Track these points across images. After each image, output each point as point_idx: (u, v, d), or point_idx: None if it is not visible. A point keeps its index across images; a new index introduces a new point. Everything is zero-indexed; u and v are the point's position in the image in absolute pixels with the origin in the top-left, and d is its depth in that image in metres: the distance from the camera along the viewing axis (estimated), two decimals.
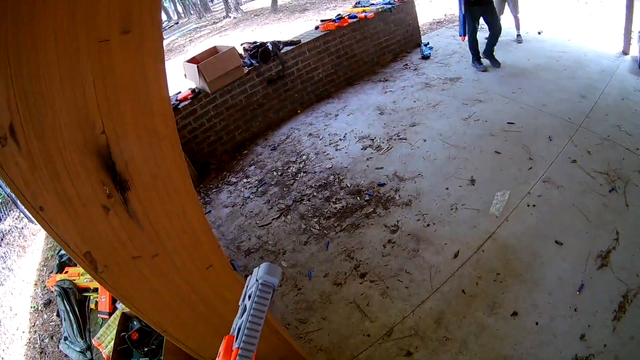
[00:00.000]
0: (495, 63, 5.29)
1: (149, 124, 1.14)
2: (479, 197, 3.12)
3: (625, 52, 5.04)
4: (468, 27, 5.17)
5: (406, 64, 5.95)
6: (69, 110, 1.02)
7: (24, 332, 4.10)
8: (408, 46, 6.41)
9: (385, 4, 6.16)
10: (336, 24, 5.48)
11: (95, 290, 2.53)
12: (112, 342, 1.96)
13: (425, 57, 6.00)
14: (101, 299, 2.36)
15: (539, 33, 6.51)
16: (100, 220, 1.10)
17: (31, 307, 4.38)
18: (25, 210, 5.72)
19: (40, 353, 3.61)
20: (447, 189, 3.27)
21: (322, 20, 5.79)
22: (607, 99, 3.89)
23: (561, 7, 9.33)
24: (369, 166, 3.79)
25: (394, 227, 3.03)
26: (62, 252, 4.26)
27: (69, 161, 1.03)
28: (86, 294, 2.60)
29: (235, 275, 1.45)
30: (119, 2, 1.01)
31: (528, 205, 2.97)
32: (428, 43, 6.43)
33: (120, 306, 2.26)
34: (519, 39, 6.12)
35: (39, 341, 3.82)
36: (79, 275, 2.66)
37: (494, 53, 5.32)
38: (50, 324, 3.89)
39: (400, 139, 4.09)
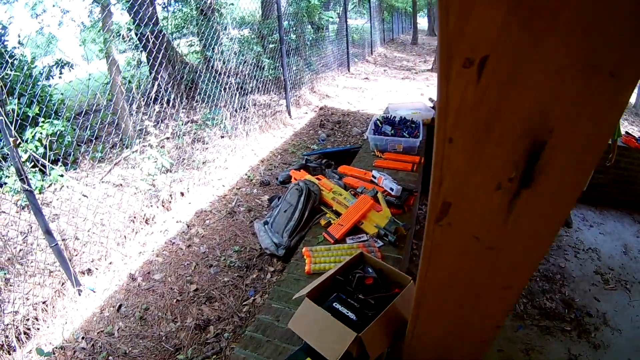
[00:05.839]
0: None
1: None
2: None
3: None
4: None
5: None
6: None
7: (223, 185, 4.74)
8: None
9: None
10: None
11: (336, 213, 2.60)
12: (329, 265, 2.03)
13: None
14: (337, 224, 2.41)
15: None
16: (484, 192, 0.95)
17: (245, 175, 5.00)
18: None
19: (229, 213, 4.13)
20: None
21: None
22: None
23: None
24: None
25: None
26: (308, 157, 4.72)
27: (502, 128, 0.87)
28: (323, 209, 2.72)
29: None
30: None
31: None
32: None
33: (351, 242, 2.30)
34: None
35: (233, 203, 4.33)
36: (330, 190, 2.77)
37: None
38: (256, 200, 4.36)
39: None
